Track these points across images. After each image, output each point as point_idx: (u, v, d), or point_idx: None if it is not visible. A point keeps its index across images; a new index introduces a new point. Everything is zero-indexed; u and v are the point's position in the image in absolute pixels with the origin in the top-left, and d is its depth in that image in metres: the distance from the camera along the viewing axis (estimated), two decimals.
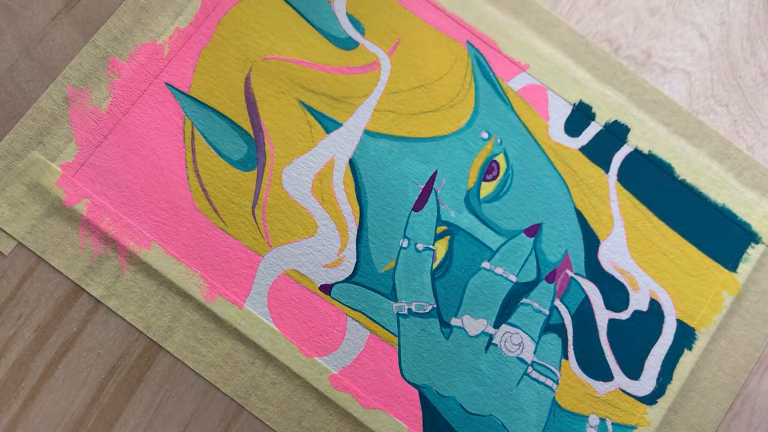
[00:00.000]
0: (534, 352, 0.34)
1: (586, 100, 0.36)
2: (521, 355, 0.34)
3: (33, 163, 0.33)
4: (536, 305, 0.34)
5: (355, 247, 0.34)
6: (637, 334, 0.34)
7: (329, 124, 0.35)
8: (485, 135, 0.35)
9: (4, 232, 0.32)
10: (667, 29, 0.37)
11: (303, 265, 0.33)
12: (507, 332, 0.34)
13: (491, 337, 0.34)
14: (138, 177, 0.33)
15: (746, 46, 0.37)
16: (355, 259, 0.34)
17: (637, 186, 0.35)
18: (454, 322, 0.34)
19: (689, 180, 0.36)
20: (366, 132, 0.35)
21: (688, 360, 0.34)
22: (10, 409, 0.31)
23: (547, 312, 0.34)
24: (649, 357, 0.34)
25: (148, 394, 0.32)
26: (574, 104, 0.36)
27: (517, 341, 0.34)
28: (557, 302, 0.34)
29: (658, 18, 0.37)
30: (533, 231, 0.35)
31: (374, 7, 0.36)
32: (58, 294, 0.32)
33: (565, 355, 0.34)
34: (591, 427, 0.33)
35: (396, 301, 0.34)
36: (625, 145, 0.36)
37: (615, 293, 0.35)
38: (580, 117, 0.36)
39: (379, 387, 0.33)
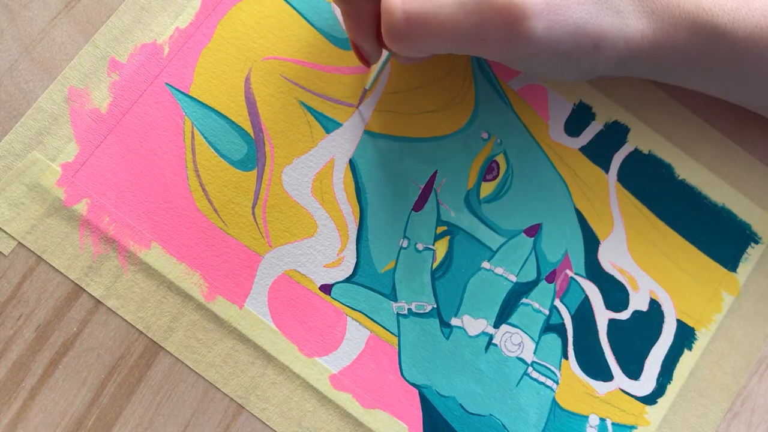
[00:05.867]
0: (534, 352, 0.34)
1: (586, 100, 0.36)
2: (521, 355, 0.34)
3: (33, 163, 0.33)
4: (536, 305, 0.34)
5: (355, 247, 0.34)
6: (637, 334, 0.34)
7: (329, 124, 0.35)
8: (485, 135, 0.35)
9: (4, 232, 0.32)
10: None
11: (303, 265, 0.33)
12: (507, 332, 0.34)
13: (491, 337, 0.34)
14: (138, 177, 0.33)
15: None
16: (355, 259, 0.34)
17: (637, 186, 0.35)
18: (454, 322, 0.34)
19: (689, 180, 0.36)
20: (366, 132, 0.35)
21: (688, 360, 0.34)
22: (10, 409, 0.31)
23: (547, 312, 0.34)
24: (649, 357, 0.34)
25: (148, 394, 0.32)
26: (574, 104, 0.36)
27: (517, 341, 0.34)
28: (557, 302, 0.34)
29: None
30: (533, 231, 0.35)
31: None
32: (58, 294, 0.32)
33: (565, 355, 0.34)
34: (591, 427, 0.34)
35: (396, 301, 0.34)
36: (625, 145, 0.36)
37: (615, 293, 0.35)
38: (580, 117, 0.36)
39: (379, 387, 0.33)
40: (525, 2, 0.26)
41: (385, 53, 0.32)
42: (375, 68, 0.33)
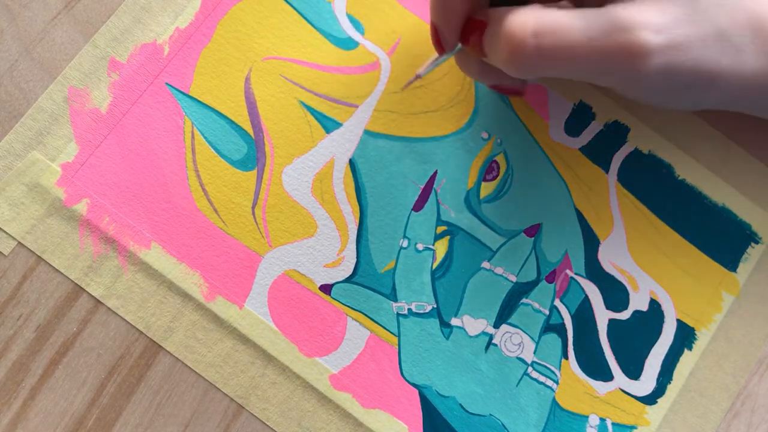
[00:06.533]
0: (534, 352, 0.34)
1: (586, 100, 0.36)
2: (521, 355, 0.34)
3: (33, 163, 0.33)
4: (536, 305, 0.34)
5: (355, 247, 0.34)
6: (637, 334, 0.34)
7: (329, 124, 0.35)
8: (485, 135, 0.35)
9: (4, 232, 0.32)
10: None
11: (303, 265, 0.33)
12: (507, 332, 0.34)
13: (491, 337, 0.34)
14: (138, 177, 0.33)
15: None
16: (355, 259, 0.34)
17: (637, 186, 0.35)
18: (454, 322, 0.34)
19: (689, 180, 0.36)
20: (366, 132, 0.35)
21: (688, 360, 0.34)
22: (10, 409, 0.31)
23: (547, 312, 0.34)
24: (649, 357, 0.34)
25: (148, 394, 0.32)
26: (574, 104, 0.36)
27: (517, 341, 0.34)
28: (557, 302, 0.34)
29: None
30: (533, 231, 0.35)
31: (374, 7, 0.36)
32: (58, 294, 0.32)
33: (565, 355, 0.34)
34: (591, 427, 0.34)
35: (396, 301, 0.34)
36: (625, 145, 0.36)
37: (615, 293, 0.35)
38: (580, 117, 0.36)
39: (379, 387, 0.33)
40: (648, 41, 0.26)
41: (458, 45, 0.30)
42: (437, 58, 0.31)
